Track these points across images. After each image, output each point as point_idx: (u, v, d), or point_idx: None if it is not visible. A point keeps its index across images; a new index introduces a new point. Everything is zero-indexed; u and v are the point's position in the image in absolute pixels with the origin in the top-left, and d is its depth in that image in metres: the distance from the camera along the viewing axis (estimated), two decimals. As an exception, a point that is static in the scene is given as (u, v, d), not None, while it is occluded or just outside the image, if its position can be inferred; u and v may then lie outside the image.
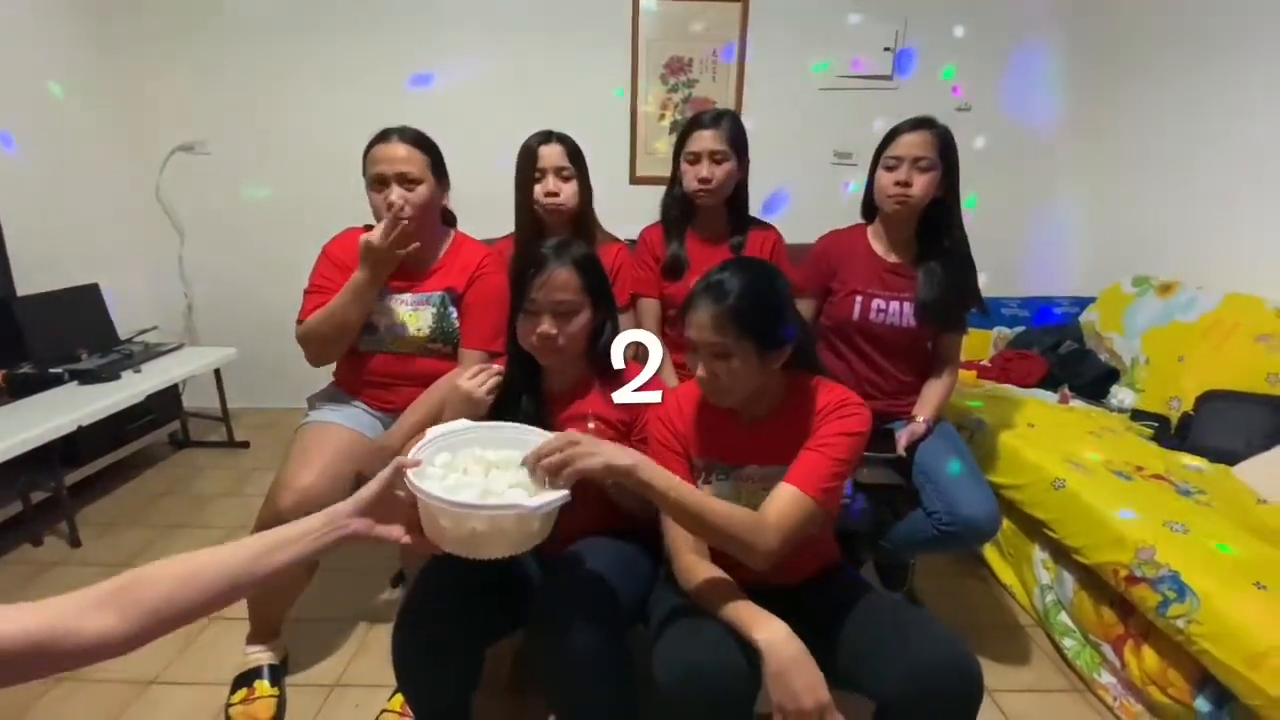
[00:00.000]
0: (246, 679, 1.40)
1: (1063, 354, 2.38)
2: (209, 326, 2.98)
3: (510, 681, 1.42)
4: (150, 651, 1.59)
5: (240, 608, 1.43)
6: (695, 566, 1.04)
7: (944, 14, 2.80)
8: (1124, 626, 1.41)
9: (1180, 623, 1.20)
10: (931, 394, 1.60)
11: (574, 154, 1.63)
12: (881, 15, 2.78)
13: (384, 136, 1.43)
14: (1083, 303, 2.64)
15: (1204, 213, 2.32)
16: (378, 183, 1.41)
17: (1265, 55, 2.09)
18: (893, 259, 1.58)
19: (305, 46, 2.72)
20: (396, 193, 1.40)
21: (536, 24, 2.74)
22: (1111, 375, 2.26)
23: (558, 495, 0.85)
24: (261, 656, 1.43)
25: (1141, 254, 2.53)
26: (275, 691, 1.39)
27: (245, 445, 2.69)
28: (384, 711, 1.34)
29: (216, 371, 2.59)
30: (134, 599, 0.62)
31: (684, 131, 1.66)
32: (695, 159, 1.61)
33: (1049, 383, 2.31)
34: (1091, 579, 1.49)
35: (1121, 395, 2.17)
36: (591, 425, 1.18)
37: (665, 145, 2.88)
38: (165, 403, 2.54)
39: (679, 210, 1.70)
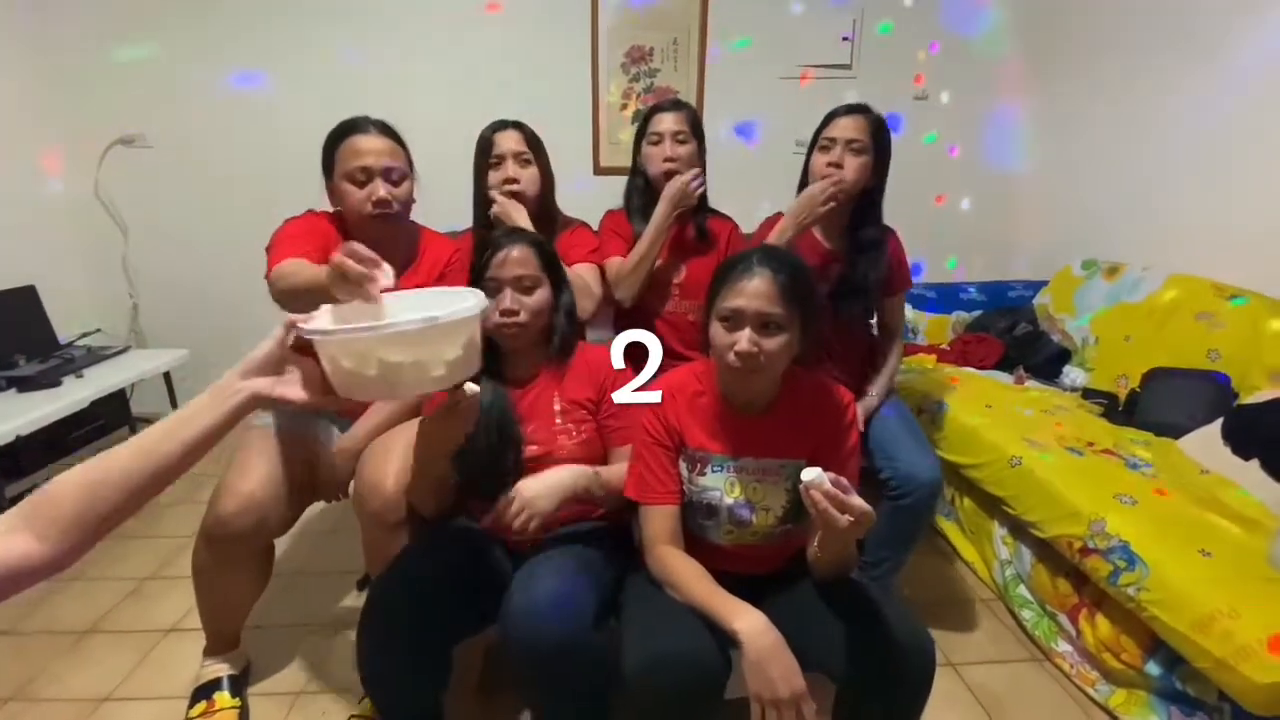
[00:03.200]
0: (205, 691, 1.35)
1: (1018, 336, 2.44)
2: (157, 328, 2.86)
3: (481, 680, 1.41)
4: (102, 667, 1.57)
5: (196, 619, 1.38)
6: (669, 557, 1.04)
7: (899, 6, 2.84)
8: (1079, 596, 1.46)
9: (1131, 590, 1.25)
10: (880, 367, 1.64)
11: (532, 140, 1.60)
12: (839, 4, 2.80)
13: (358, 126, 1.37)
14: (1036, 286, 2.71)
15: (1147, 197, 2.40)
16: (360, 176, 1.34)
17: (1200, 46, 2.17)
18: (828, 245, 1.59)
19: (253, 31, 2.61)
20: (384, 188, 1.35)
21: (493, 13, 2.69)
22: (1064, 356, 2.34)
23: (470, 303, 0.82)
24: (220, 668, 1.38)
25: (1091, 238, 2.62)
26: (236, 703, 1.35)
27: (200, 450, 2.58)
28: (353, 717, 1.32)
29: (166, 375, 2.48)
30: (47, 517, 0.61)
31: (644, 118, 1.67)
32: (659, 139, 1.61)
33: (1005, 364, 2.37)
34: (1048, 552, 1.55)
35: (1073, 375, 2.24)
36: (558, 407, 1.17)
37: (628, 135, 2.85)
38: (112, 409, 2.42)
39: (641, 199, 1.70)
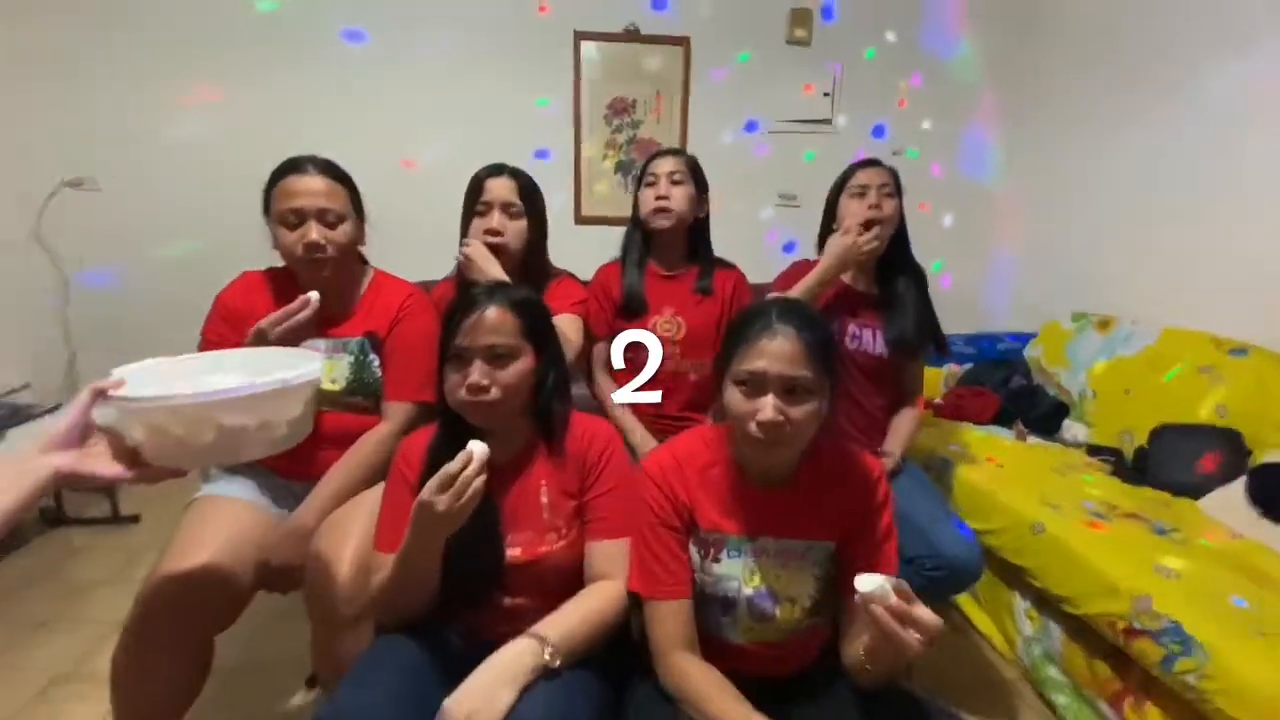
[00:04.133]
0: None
1: (1013, 389, 2.38)
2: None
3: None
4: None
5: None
6: (685, 666, 0.87)
7: (881, 65, 2.88)
8: (1122, 682, 1.32)
9: (1191, 679, 1.12)
10: (901, 426, 1.55)
11: (527, 190, 1.47)
12: (819, 60, 2.83)
13: (296, 166, 1.25)
14: (1025, 338, 2.68)
15: (1132, 251, 2.40)
16: (292, 219, 1.23)
17: (1179, 101, 2.21)
18: (860, 287, 1.55)
19: (208, 70, 2.50)
20: (316, 231, 1.22)
21: (475, 64, 2.64)
22: (1062, 410, 2.27)
23: (312, 365, 0.88)
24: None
25: (1075, 290, 2.60)
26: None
27: (135, 520, 2.32)
28: None
29: (100, 435, 2.24)
30: None
31: (644, 166, 1.61)
32: (653, 181, 1.55)
33: (1002, 418, 2.29)
34: (1082, 630, 1.41)
35: (1074, 430, 2.17)
36: (545, 499, 1.00)
37: (608, 186, 2.80)
38: (34, 474, 2.17)
39: (636, 249, 1.62)
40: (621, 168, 2.79)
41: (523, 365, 0.98)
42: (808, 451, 0.93)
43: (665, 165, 1.54)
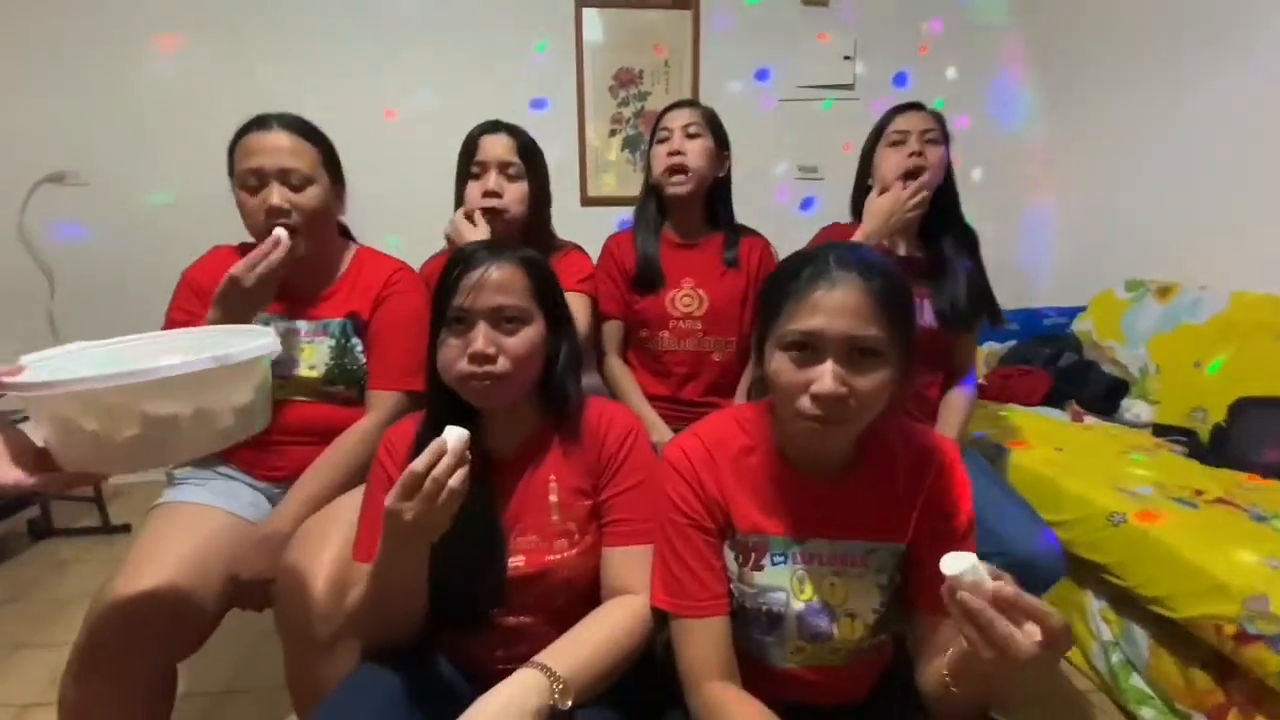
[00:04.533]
0: None
1: (1064, 367, 2.18)
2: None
3: None
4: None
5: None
6: (722, 697, 0.71)
7: (908, 19, 2.68)
8: (1225, 694, 1.14)
9: (1327, 696, 0.93)
10: (953, 409, 1.35)
11: (526, 149, 1.32)
12: (839, 21, 2.63)
13: (260, 123, 1.09)
14: (1070, 312, 2.47)
15: (1194, 210, 2.18)
16: (252, 181, 1.07)
17: (1245, 45, 2.00)
18: (902, 251, 1.34)
19: (208, 56, 2.37)
20: (278, 193, 1.06)
21: (472, 34, 2.48)
22: (1120, 387, 2.07)
23: (264, 340, 0.73)
24: None
25: (1128, 257, 2.39)
26: None
27: (125, 529, 2.20)
28: None
29: (85, 441, 2.12)
30: None
31: (655, 122, 1.43)
32: (666, 136, 1.37)
33: (1053, 399, 2.10)
34: (1174, 635, 1.22)
35: (1136, 409, 1.97)
36: (554, 498, 0.84)
37: (615, 164, 2.63)
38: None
39: (650, 215, 1.45)
40: (629, 144, 2.62)
41: (534, 333, 0.81)
42: (866, 433, 0.75)
43: (679, 118, 1.37)
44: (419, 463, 0.65)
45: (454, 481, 0.67)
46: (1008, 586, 0.54)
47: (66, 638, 1.37)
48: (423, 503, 0.65)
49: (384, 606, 0.77)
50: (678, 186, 1.36)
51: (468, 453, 0.69)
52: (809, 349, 0.68)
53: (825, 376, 0.65)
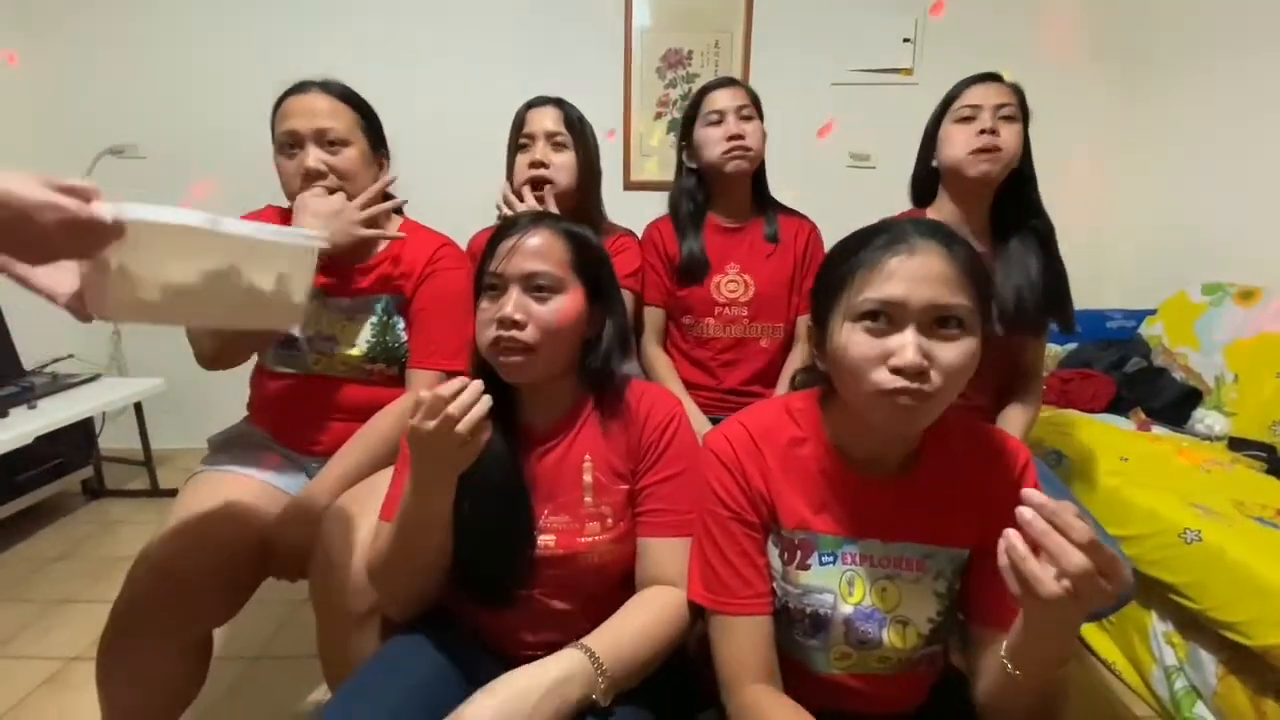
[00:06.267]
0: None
1: (1130, 373, 2.05)
2: (141, 355, 2.59)
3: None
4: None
5: None
6: (762, 702, 0.67)
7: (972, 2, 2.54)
8: (1304, 731, 1.05)
9: None
10: (1015, 421, 1.23)
11: (574, 121, 1.31)
12: (900, 3, 2.52)
13: (299, 88, 1.09)
14: (1138, 315, 2.32)
15: (1269, 205, 2.03)
16: (289, 143, 1.06)
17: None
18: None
19: (255, 33, 2.40)
20: (313, 155, 1.05)
21: (520, 16, 2.45)
22: (1192, 396, 1.93)
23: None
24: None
25: (1202, 259, 2.24)
26: None
27: (173, 493, 2.26)
28: None
29: (138, 406, 2.19)
30: None
31: (693, 103, 1.37)
32: (719, 118, 1.30)
33: (1117, 406, 1.98)
34: (1247, 663, 1.13)
35: (1209, 420, 1.84)
36: (589, 479, 0.81)
37: (660, 148, 2.58)
38: (74, 444, 2.14)
39: (692, 201, 1.39)
40: (674, 127, 2.56)
41: (568, 303, 0.78)
42: (928, 427, 0.70)
43: (730, 99, 1.31)
44: (446, 387, 0.66)
45: (476, 411, 0.67)
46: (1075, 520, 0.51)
47: (113, 594, 1.41)
48: (445, 423, 0.65)
49: (407, 552, 0.76)
50: (740, 163, 1.31)
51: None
52: (887, 318, 0.62)
53: (907, 348, 0.60)
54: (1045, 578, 0.51)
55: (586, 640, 0.70)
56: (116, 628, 0.95)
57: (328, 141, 1.06)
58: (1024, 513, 0.52)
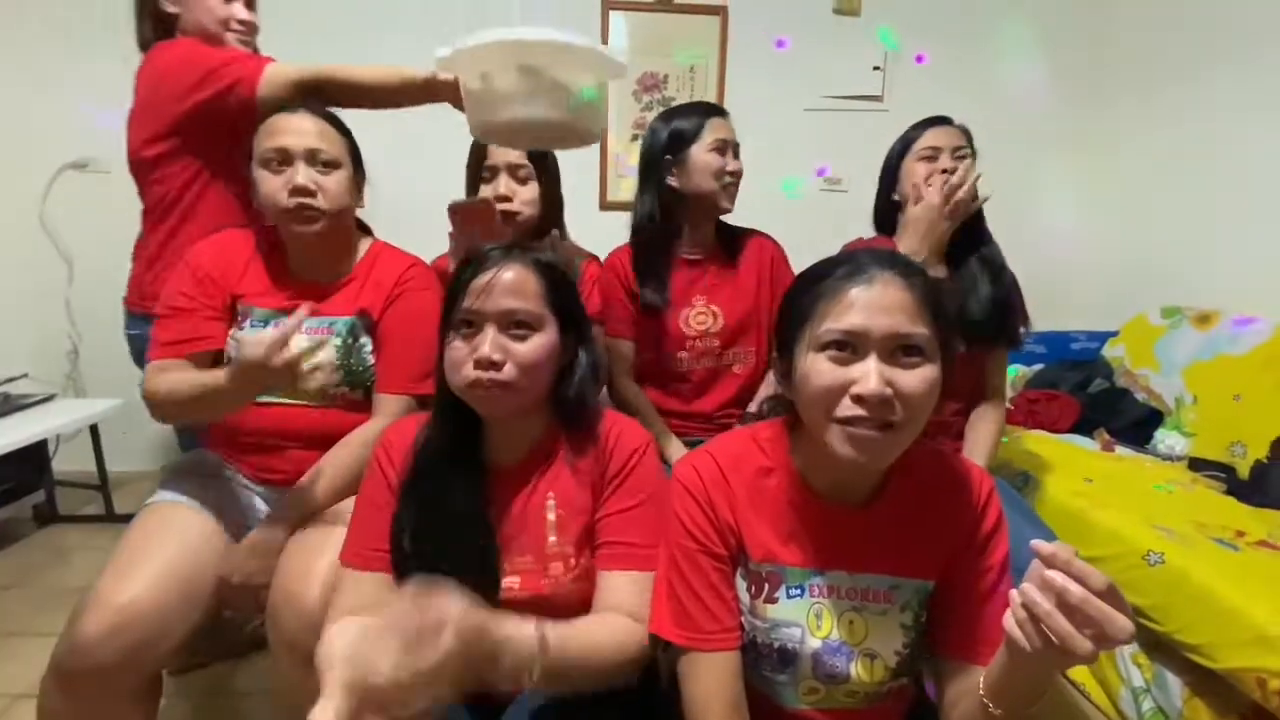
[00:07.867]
0: None
1: (1094, 393, 2.10)
2: (99, 375, 2.50)
3: None
4: None
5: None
6: None
7: (934, 29, 2.62)
8: (1266, 752, 1.06)
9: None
10: (982, 434, 1.29)
11: (536, 151, 1.29)
12: (869, 32, 2.58)
13: (285, 107, 1.09)
14: (1101, 337, 2.38)
15: (1236, 231, 2.10)
16: (276, 159, 1.04)
17: (1264, 53, 1.92)
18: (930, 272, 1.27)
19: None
20: (304, 173, 1.04)
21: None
22: (1153, 417, 1.98)
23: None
24: None
25: (1161, 282, 2.31)
26: None
27: (129, 519, 2.18)
28: None
29: (94, 428, 2.11)
30: None
31: (689, 126, 1.31)
32: (723, 147, 1.29)
33: (1081, 427, 2.02)
34: (1212, 685, 1.15)
35: (1170, 440, 1.89)
36: (552, 517, 0.79)
37: (634, 162, 2.58)
38: (26, 467, 2.05)
39: (661, 230, 1.35)
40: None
41: (545, 340, 0.77)
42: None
43: (728, 131, 1.31)
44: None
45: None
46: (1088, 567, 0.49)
47: (58, 626, 1.34)
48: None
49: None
50: (731, 199, 1.32)
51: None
52: (849, 347, 0.63)
53: (870, 375, 0.60)
54: (1080, 635, 0.48)
55: (546, 628, 0.66)
56: (58, 672, 0.90)
57: (320, 162, 1.06)
58: (1054, 578, 0.49)
